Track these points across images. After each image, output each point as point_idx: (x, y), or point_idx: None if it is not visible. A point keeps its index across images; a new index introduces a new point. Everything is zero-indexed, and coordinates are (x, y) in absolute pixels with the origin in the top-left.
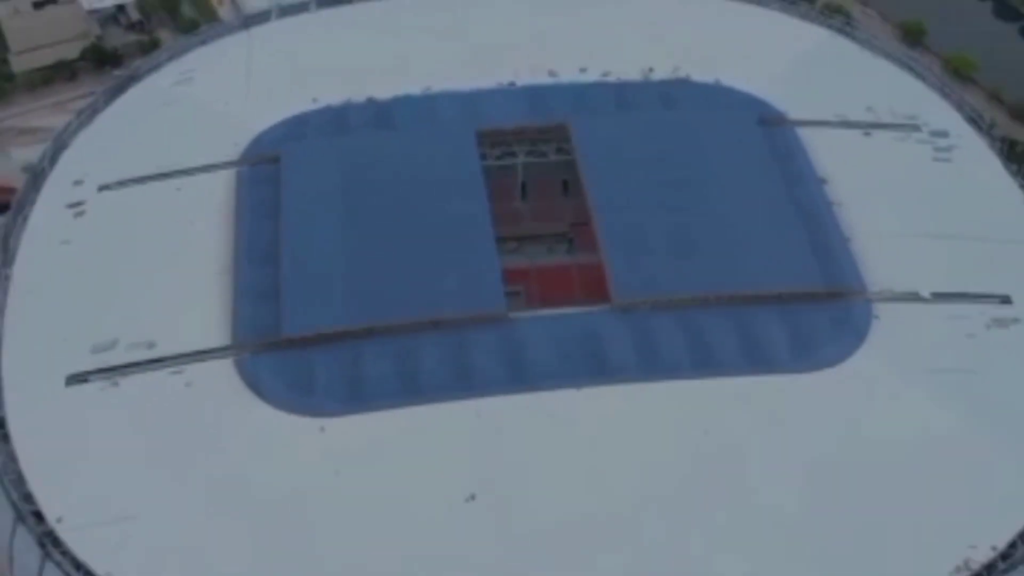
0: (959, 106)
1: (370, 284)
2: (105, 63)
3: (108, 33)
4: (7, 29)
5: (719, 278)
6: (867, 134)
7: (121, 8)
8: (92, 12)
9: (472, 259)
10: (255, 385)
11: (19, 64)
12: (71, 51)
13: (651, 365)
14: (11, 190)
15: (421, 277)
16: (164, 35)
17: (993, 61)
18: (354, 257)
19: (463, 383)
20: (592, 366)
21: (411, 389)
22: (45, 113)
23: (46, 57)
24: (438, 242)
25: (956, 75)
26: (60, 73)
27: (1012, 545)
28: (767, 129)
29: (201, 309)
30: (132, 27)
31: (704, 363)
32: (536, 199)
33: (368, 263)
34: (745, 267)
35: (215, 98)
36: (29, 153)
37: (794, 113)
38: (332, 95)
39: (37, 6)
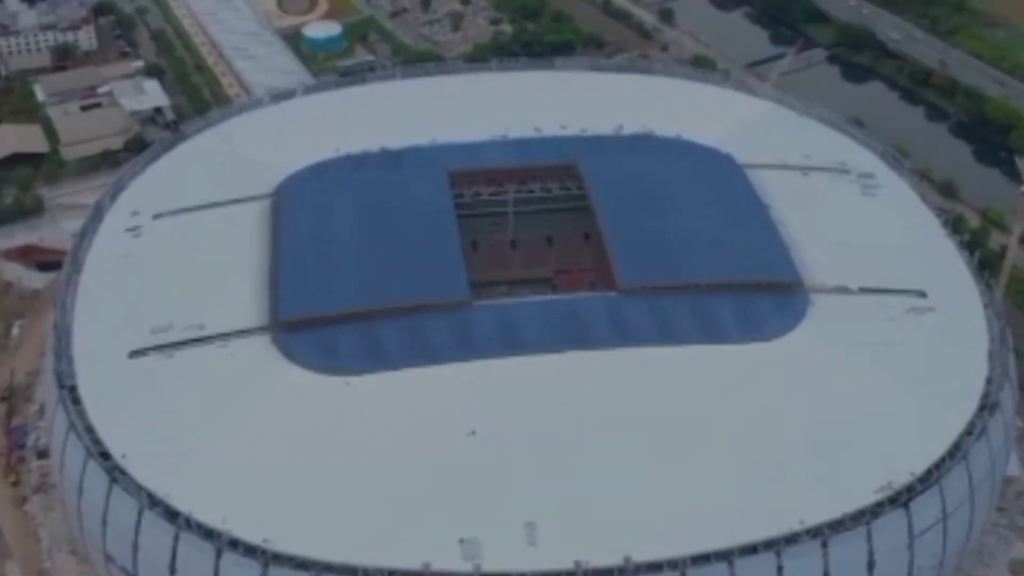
0: (883, 155)
1: (362, 278)
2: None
3: (147, 130)
4: (58, 126)
5: (694, 270)
6: (805, 174)
7: (158, 110)
8: (133, 113)
9: (443, 259)
10: (289, 353)
11: (69, 154)
12: (115, 143)
13: (622, 335)
14: (62, 252)
15: (397, 272)
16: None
17: (925, 150)
18: (354, 258)
19: (463, 349)
20: (572, 336)
21: (419, 354)
22: (92, 193)
23: (93, 148)
24: (418, 249)
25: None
26: (105, 161)
27: (928, 471)
28: (722, 168)
29: (243, 299)
30: (167, 126)
31: (671, 335)
32: (524, 249)
33: (365, 263)
34: (710, 263)
35: (253, 149)
36: (76, 224)
37: (742, 159)
38: (352, 146)
39: (85, 108)
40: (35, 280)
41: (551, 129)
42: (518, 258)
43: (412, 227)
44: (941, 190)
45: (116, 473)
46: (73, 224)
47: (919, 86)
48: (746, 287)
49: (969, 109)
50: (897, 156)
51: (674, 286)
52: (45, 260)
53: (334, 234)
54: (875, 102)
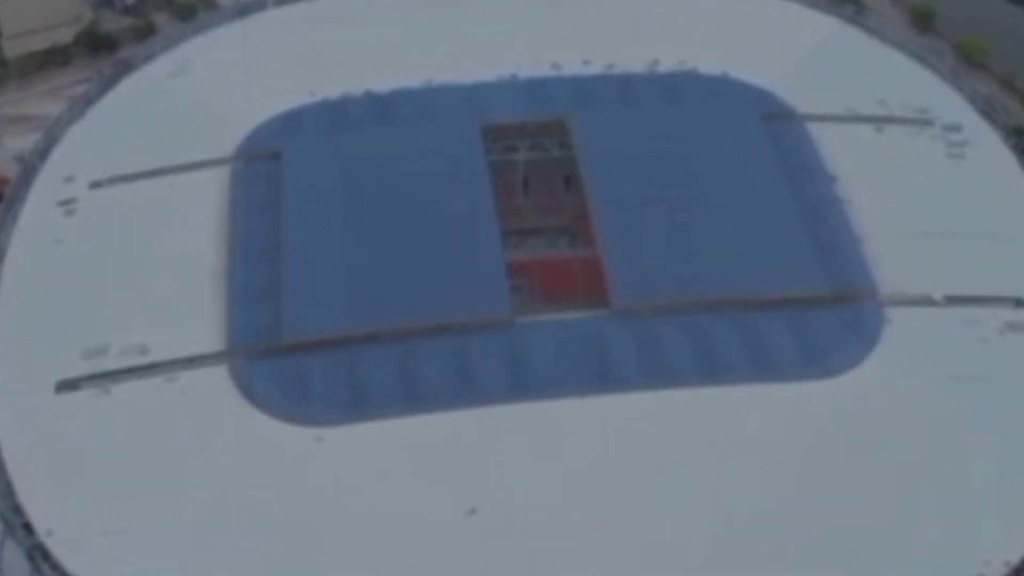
0: (972, 98)
1: (373, 286)
2: (99, 48)
3: (102, 17)
4: (0, 14)
5: (724, 281)
6: (879, 129)
7: None
8: None
9: (477, 261)
10: (250, 392)
11: (12, 49)
12: (64, 36)
13: (655, 373)
14: (4, 180)
15: (425, 279)
16: (159, 19)
17: (1005, 46)
18: (357, 258)
19: (464, 391)
20: (595, 374)
21: (411, 397)
22: (38, 100)
23: (39, 42)
24: (442, 243)
25: (967, 60)
26: (54, 59)
27: None
28: (776, 124)
29: (195, 312)
30: (127, 11)
31: (709, 370)
32: (538, 193)
33: (371, 265)
34: (751, 269)
35: (210, 90)
36: (22, 142)
37: (804, 107)
38: (329, 88)
39: None
40: None
41: (572, 65)
42: (530, 203)
43: (422, 210)
44: None
45: (37, 556)
46: (18, 143)
47: None
48: (806, 301)
49: None
50: (989, 108)
51: (706, 303)
52: None
53: (311, 220)
54: None
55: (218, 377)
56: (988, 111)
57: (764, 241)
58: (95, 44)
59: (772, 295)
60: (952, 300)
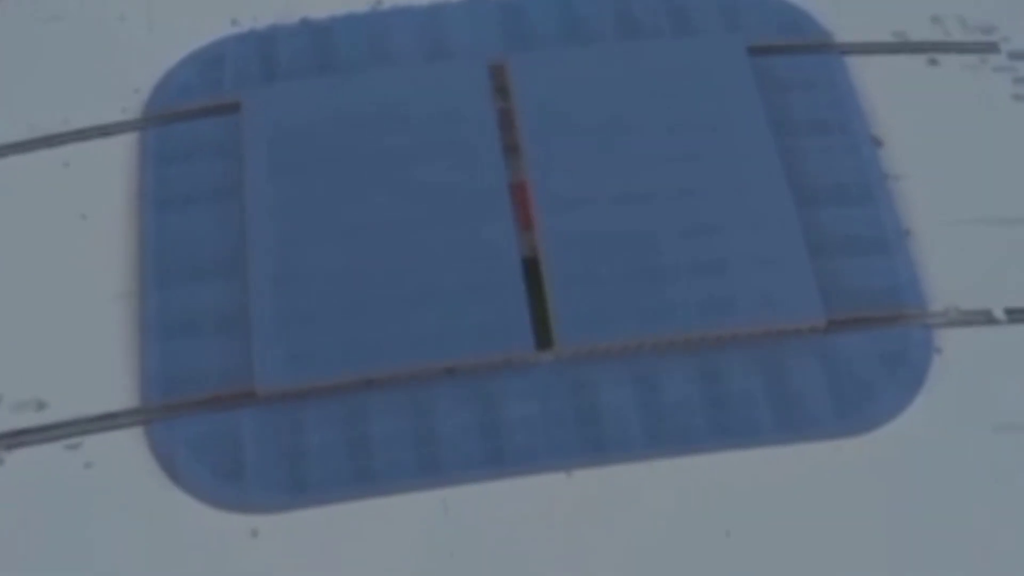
0: None
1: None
2: None
3: None
4: None
5: (724, 308)
6: (933, 62)
7: None
8: None
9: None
10: (171, 467)
11: None
12: None
13: (657, 436)
14: None
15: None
16: None
17: None
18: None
19: (426, 465)
20: (584, 440)
21: (365, 473)
22: None
23: None
24: (413, 238)
25: None
26: None
27: None
28: (807, 59)
29: (100, 353)
30: None
31: (722, 430)
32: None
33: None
34: (751, 289)
35: (110, 15)
36: None
37: (843, 34)
38: (255, 15)
39: None
40: None
41: None
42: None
43: (401, 202)
44: None
45: None
46: None
47: None
48: (834, 325)
49: None
50: None
51: (703, 338)
52: None
53: (282, 211)
54: None
55: (131, 444)
56: None
57: (755, 248)
58: None
59: (780, 327)
60: (1015, 315)
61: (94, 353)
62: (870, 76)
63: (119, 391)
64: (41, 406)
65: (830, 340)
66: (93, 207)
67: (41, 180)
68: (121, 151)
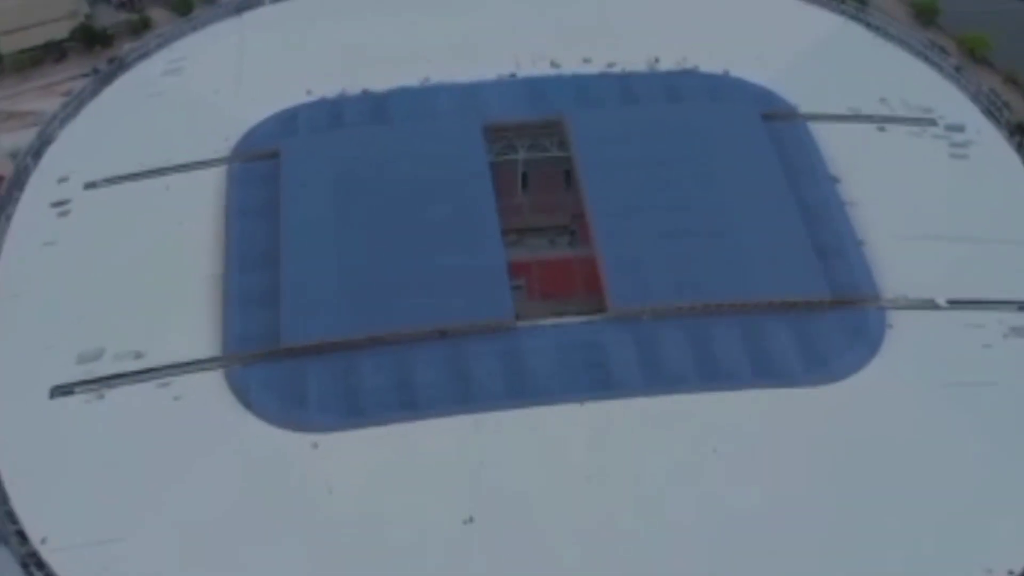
0: (975, 97)
1: (373, 291)
2: (95, 43)
3: (98, 12)
4: None
5: (723, 286)
6: (881, 128)
7: None
8: None
9: (479, 265)
10: (245, 399)
11: (7, 45)
12: (60, 31)
13: (655, 378)
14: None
15: (426, 284)
16: (155, 14)
17: (1007, 42)
18: (357, 263)
19: (462, 397)
20: (594, 380)
21: (408, 403)
22: (33, 96)
23: (35, 38)
24: (444, 247)
25: (970, 56)
26: (48, 54)
27: None
28: (776, 124)
29: (190, 317)
30: (122, 6)
31: (710, 376)
32: (538, 191)
33: (371, 269)
34: (750, 274)
35: (206, 89)
36: (16, 139)
37: (805, 106)
38: (326, 87)
39: None
40: None
41: (572, 63)
42: (530, 202)
43: (422, 213)
44: None
45: (32, 564)
46: (12, 139)
47: None
48: (808, 306)
49: None
50: (992, 107)
51: (707, 307)
52: None
53: (309, 223)
54: None
55: (213, 383)
56: (991, 110)
57: (763, 244)
58: (90, 39)
59: (772, 300)
60: (956, 304)
61: (186, 317)
62: (829, 136)
63: (204, 345)
64: (139, 356)
65: (805, 315)
66: (188, 216)
67: (149, 198)
68: (211, 179)
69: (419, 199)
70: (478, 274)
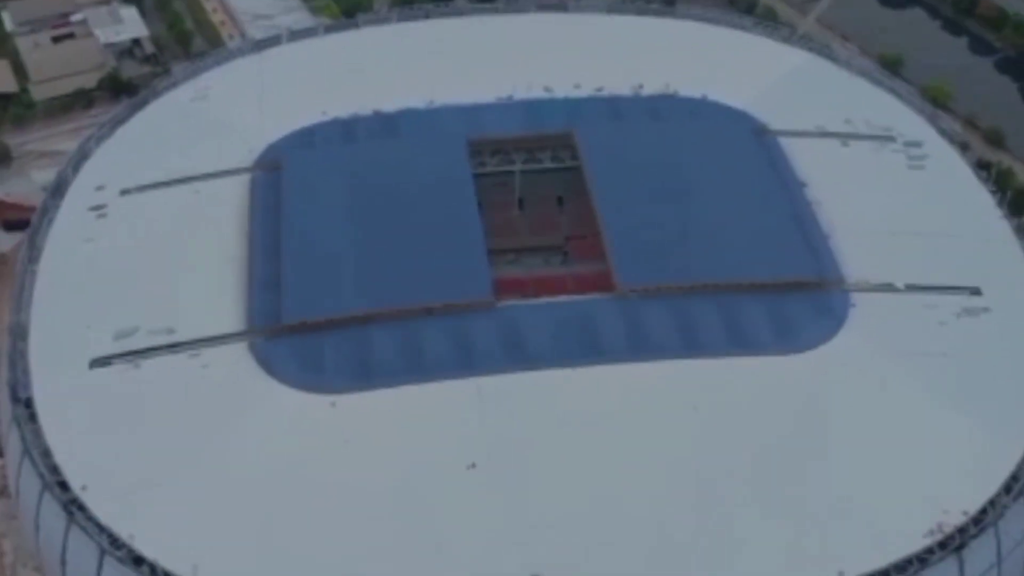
0: (932, 120)
1: (364, 274)
2: (121, 92)
3: (124, 65)
4: (28, 61)
5: (711, 268)
6: (845, 144)
7: (136, 42)
8: (108, 45)
9: (463, 253)
10: (268, 366)
11: (39, 93)
12: (88, 81)
13: (642, 347)
14: (31, 208)
15: (414, 268)
16: (177, 67)
17: (969, 91)
18: (351, 250)
19: (464, 362)
20: (585, 348)
21: (415, 368)
22: (63, 138)
23: (65, 87)
24: (431, 238)
25: (933, 103)
26: (78, 101)
27: (983, 511)
28: (753, 138)
29: (217, 298)
30: (147, 60)
31: (693, 345)
32: (533, 214)
33: (364, 255)
34: (734, 259)
35: (230, 112)
36: (48, 175)
37: (776, 125)
38: (341, 108)
39: (56, 40)
40: (2, 242)
41: (563, 88)
42: (526, 223)
43: (416, 211)
44: (987, 138)
45: (74, 509)
46: (44, 175)
47: (964, 15)
48: (780, 287)
49: (1017, 43)
50: (942, 126)
51: (693, 287)
52: (13, 218)
53: (322, 219)
54: (914, 32)
55: (239, 353)
56: (947, 130)
57: (745, 236)
58: (117, 89)
59: (752, 281)
60: (913, 288)
61: (212, 298)
62: (798, 149)
63: (230, 321)
64: (170, 332)
65: (778, 296)
66: (214, 214)
67: (179, 200)
68: (235, 185)
69: (411, 200)
70: (461, 260)
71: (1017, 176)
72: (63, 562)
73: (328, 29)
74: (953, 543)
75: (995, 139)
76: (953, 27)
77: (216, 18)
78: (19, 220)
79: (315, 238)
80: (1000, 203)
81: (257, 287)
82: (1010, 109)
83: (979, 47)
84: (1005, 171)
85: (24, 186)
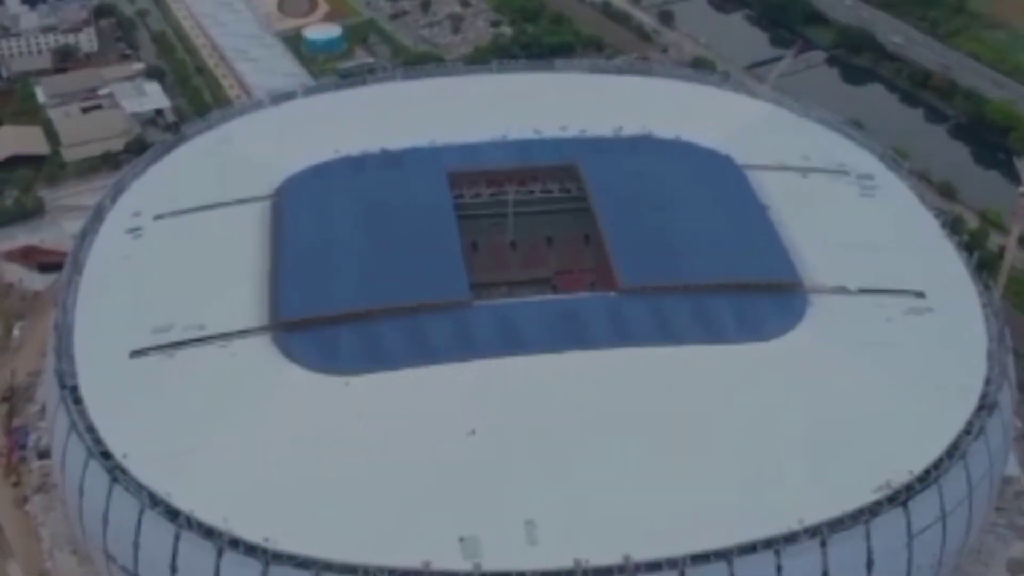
0: (882, 157)
1: (364, 278)
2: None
3: (148, 132)
4: (59, 127)
5: (692, 271)
6: (804, 175)
7: (159, 112)
8: (134, 114)
9: (444, 262)
10: (289, 353)
11: (70, 155)
12: (115, 145)
13: (621, 335)
14: (63, 254)
15: (406, 273)
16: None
17: (924, 153)
18: (353, 258)
19: (463, 350)
20: (572, 335)
21: (419, 354)
22: (91, 194)
23: (93, 150)
24: (419, 249)
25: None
26: (105, 163)
27: (925, 471)
28: (721, 169)
29: (242, 300)
30: (168, 128)
31: (670, 334)
32: (524, 250)
33: (363, 263)
34: (711, 264)
35: (253, 151)
36: (77, 225)
37: (742, 160)
38: (351, 147)
39: (85, 111)
40: (36, 282)
41: (551, 130)
42: (518, 259)
43: (412, 227)
44: (940, 191)
45: (117, 472)
46: (74, 225)
47: (918, 88)
48: (745, 288)
49: (968, 111)
50: (896, 158)
51: (674, 286)
52: (46, 261)
53: (334, 235)
54: (874, 104)
55: (263, 344)
56: (896, 162)
57: (719, 246)
58: (140, 151)
59: (723, 282)
60: (865, 291)
61: (238, 300)
62: (761, 179)
63: (255, 317)
64: (202, 327)
65: (743, 295)
66: (240, 233)
67: (208, 223)
68: (258, 210)
69: (401, 217)
70: (443, 267)
71: (967, 221)
72: (106, 521)
73: (339, 86)
74: (900, 497)
75: (948, 191)
76: (909, 98)
77: (231, 92)
78: (51, 263)
79: (324, 249)
80: (944, 225)
81: (277, 289)
82: (960, 167)
83: (934, 115)
84: (957, 217)
85: (56, 234)
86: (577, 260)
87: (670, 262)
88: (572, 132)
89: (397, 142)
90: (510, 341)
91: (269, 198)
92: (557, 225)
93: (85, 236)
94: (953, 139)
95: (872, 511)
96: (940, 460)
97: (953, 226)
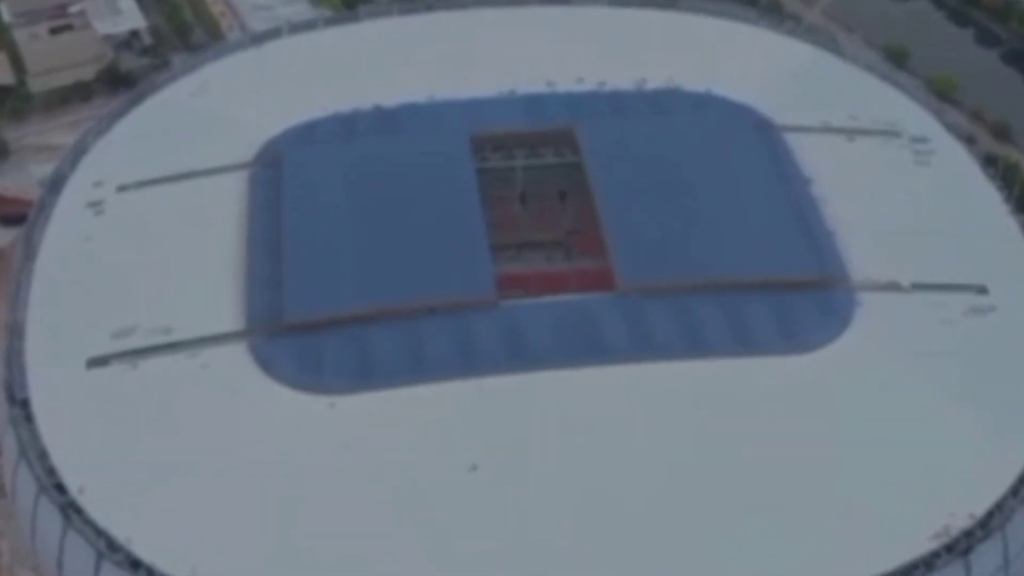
0: (938, 115)
1: (365, 272)
2: (119, 85)
3: (122, 57)
4: (25, 53)
5: (714, 266)
6: (851, 139)
7: (135, 33)
8: (107, 37)
9: (465, 250)
10: (267, 366)
11: (36, 85)
12: (86, 73)
13: (645, 347)
14: (28, 203)
15: (416, 266)
16: (176, 59)
17: (975, 83)
18: (351, 248)
19: (465, 363)
20: (588, 348)
21: (415, 369)
22: (61, 131)
23: (62, 79)
24: (433, 235)
25: (939, 96)
26: (76, 94)
27: (989, 513)
28: (757, 133)
29: (215, 297)
30: (145, 51)
31: (696, 345)
32: (534, 207)
33: (365, 253)
34: (738, 256)
35: (229, 107)
36: (46, 169)
37: (781, 120)
38: (341, 103)
39: (54, 32)
40: None
41: (565, 83)
42: (528, 218)
43: (418, 207)
44: (993, 131)
45: (71, 511)
46: (42, 169)
47: (968, 6)
48: (784, 285)
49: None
50: (948, 121)
51: (696, 285)
52: (10, 212)
53: (322, 216)
54: (920, 25)
55: (237, 353)
56: (953, 125)
57: (749, 233)
58: (115, 81)
59: (756, 279)
60: (919, 287)
61: (210, 298)
62: (802, 144)
63: (229, 320)
64: (168, 331)
65: (782, 294)
66: (212, 212)
67: (178, 197)
68: (234, 181)
69: (412, 197)
70: (464, 257)
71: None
72: (60, 565)
73: (329, 22)
74: (960, 546)
75: (1002, 132)
76: (959, 18)
77: (215, 9)
78: (17, 215)
79: (315, 236)
80: (1007, 199)
81: (256, 286)
82: (1016, 101)
83: (985, 38)
84: (1012, 165)
85: (22, 180)
86: (593, 218)
87: (690, 255)
88: (589, 85)
89: (391, 95)
90: (520, 354)
91: (247, 167)
92: (571, 181)
93: (41, 210)
94: (1006, 65)
95: (928, 564)
96: (1005, 499)
97: (1006, 175)
